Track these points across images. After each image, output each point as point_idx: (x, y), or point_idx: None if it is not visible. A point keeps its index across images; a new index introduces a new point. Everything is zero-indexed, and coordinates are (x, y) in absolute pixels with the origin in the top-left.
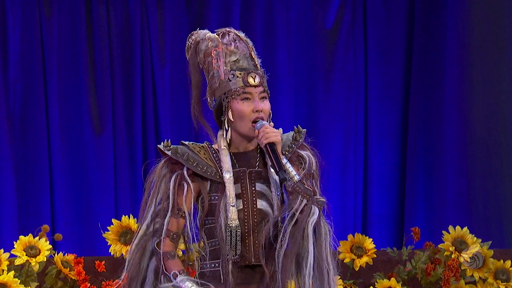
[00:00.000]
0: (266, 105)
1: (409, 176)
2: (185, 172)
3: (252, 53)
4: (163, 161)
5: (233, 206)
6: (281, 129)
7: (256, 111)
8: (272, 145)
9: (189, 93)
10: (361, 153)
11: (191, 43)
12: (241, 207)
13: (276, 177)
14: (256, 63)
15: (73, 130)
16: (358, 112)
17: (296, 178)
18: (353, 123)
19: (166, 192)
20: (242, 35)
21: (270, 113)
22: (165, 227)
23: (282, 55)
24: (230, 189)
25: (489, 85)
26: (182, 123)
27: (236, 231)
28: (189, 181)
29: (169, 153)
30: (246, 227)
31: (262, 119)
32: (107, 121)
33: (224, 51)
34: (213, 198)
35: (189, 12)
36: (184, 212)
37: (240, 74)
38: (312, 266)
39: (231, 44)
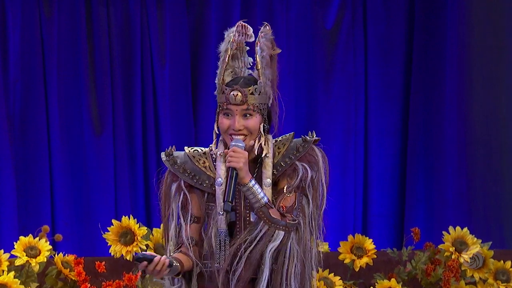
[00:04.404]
0: (249, 123)
1: (409, 176)
2: (182, 183)
3: (258, 63)
4: (167, 171)
5: (221, 215)
6: (293, 133)
7: (233, 129)
8: (232, 170)
9: (189, 94)
10: (361, 153)
11: None
12: (234, 219)
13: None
14: (260, 73)
15: (73, 130)
16: (358, 112)
17: (263, 201)
18: (353, 123)
19: (171, 203)
20: (258, 38)
21: (260, 128)
22: (171, 232)
23: (282, 55)
24: (219, 196)
25: (489, 85)
26: (182, 123)
27: (225, 240)
28: (186, 192)
29: (167, 164)
30: (237, 239)
31: (244, 135)
32: (107, 121)
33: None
34: (208, 207)
35: (189, 12)
36: (195, 217)
37: (225, 89)
38: None
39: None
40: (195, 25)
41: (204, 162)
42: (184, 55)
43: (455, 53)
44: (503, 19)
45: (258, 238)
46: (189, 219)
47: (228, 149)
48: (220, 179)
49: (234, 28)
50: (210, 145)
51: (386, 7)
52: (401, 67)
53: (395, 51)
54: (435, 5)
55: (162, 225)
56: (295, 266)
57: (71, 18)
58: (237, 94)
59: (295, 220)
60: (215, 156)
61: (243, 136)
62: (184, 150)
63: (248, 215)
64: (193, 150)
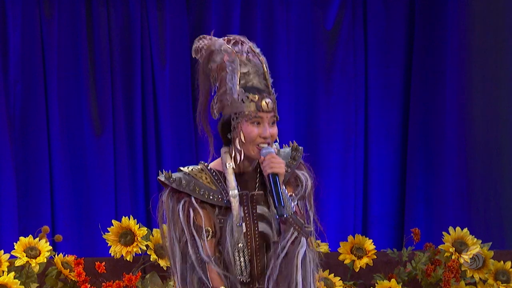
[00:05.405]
0: (274, 130)
1: (409, 177)
2: (193, 200)
3: (266, 73)
4: (167, 192)
5: (239, 225)
6: (277, 143)
7: (263, 137)
8: (275, 175)
9: (189, 94)
10: (361, 154)
11: (202, 48)
12: (245, 230)
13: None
14: (268, 83)
15: (73, 130)
16: (358, 112)
17: (292, 209)
18: (353, 123)
19: (181, 223)
20: (257, 50)
21: (277, 138)
22: (188, 251)
23: (282, 55)
24: (236, 208)
25: (489, 85)
26: (182, 123)
27: (244, 250)
28: (199, 208)
29: (173, 185)
30: (249, 250)
31: (268, 144)
32: (107, 121)
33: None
34: (219, 221)
35: (189, 13)
36: (212, 231)
37: (254, 97)
38: None
39: (243, 54)
40: (195, 25)
41: (206, 178)
42: (184, 55)
43: (455, 53)
44: (503, 19)
45: (288, 244)
46: (206, 235)
47: (239, 160)
48: (234, 190)
49: (227, 44)
50: (201, 162)
51: (386, 7)
52: (401, 67)
53: (395, 51)
54: (435, 5)
55: (168, 247)
56: (313, 271)
57: (71, 18)
58: (269, 102)
59: (310, 228)
60: (213, 172)
61: (267, 145)
62: (178, 171)
63: (256, 224)
64: (190, 168)
